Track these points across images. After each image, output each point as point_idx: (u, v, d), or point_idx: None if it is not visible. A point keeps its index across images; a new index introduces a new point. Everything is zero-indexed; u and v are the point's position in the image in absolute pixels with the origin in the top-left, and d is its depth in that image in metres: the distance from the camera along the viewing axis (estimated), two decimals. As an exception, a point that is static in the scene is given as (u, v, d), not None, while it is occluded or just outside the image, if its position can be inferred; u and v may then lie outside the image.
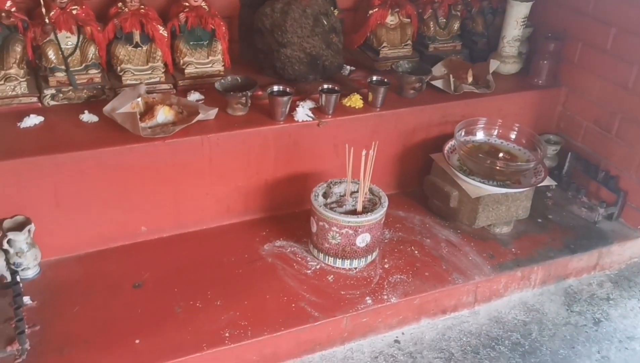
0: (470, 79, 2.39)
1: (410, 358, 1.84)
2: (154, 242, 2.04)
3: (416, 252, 2.09)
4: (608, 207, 2.30)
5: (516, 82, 2.53)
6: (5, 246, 1.75)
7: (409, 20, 2.52)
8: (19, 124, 1.88)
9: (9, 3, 1.93)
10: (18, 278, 1.72)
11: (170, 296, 1.83)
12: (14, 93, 1.95)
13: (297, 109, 2.09)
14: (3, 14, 1.87)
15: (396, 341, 1.90)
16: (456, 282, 1.98)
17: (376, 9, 2.46)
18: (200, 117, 1.94)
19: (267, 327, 1.75)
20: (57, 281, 1.84)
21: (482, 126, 2.27)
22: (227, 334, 1.71)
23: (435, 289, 1.95)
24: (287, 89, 2.09)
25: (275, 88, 2.09)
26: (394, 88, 2.29)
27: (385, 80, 2.22)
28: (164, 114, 1.95)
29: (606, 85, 2.35)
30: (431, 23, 2.56)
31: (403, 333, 1.93)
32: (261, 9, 2.23)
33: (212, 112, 2.00)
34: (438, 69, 2.46)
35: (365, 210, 1.96)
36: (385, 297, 1.89)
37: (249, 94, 2.03)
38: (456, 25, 2.60)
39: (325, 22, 2.23)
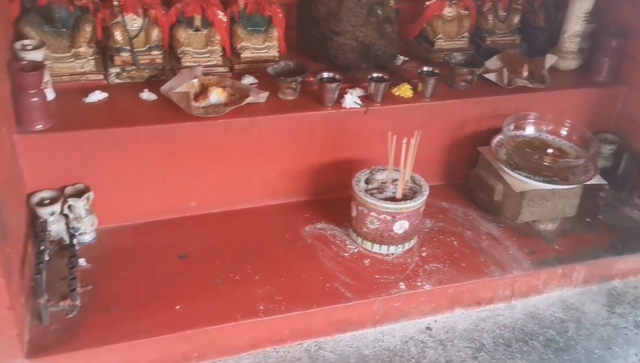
0: (525, 74, 2.36)
1: (441, 345, 1.86)
2: (203, 217, 2.15)
3: (455, 243, 2.10)
4: (662, 210, 2.23)
5: (575, 78, 2.47)
6: (66, 211, 1.90)
7: (467, 12, 2.51)
8: (84, 99, 2.02)
9: (82, -15, 2.08)
10: (75, 241, 1.86)
11: (212, 268, 1.93)
12: (82, 70, 2.10)
13: (345, 96, 2.14)
14: (75, -4, 2.02)
15: (428, 328, 1.92)
16: (493, 275, 1.98)
17: (433, 0, 2.46)
18: (250, 99, 2.03)
19: (301, 303, 1.81)
20: (110, 247, 1.98)
21: (532, 121, 2.24)
22: (261, 307, 1.79)
23: (470, 280, 1.96)
24: (337, 76, 2.14)
25: (325, 75, 2.14)
26: (446, 79, 2.30)
27: (436, 71, 2.23)
28: (216, 95, 2.05)
29: (669, 85, 2.27)
30: (490, 16, 2.54)
31: (435, 321, 1.95)
32: (317, -3, 2.29)
33: (263, 96, 2.08)
34: (493, 62, 2.44)
35: (405, 198, 1.99)
36: (419, 284, 1.92)
37: (299, 79, 2.10)
38: (516, 19, 2.57)
39: (380, 12, 2.26)
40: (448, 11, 2.49)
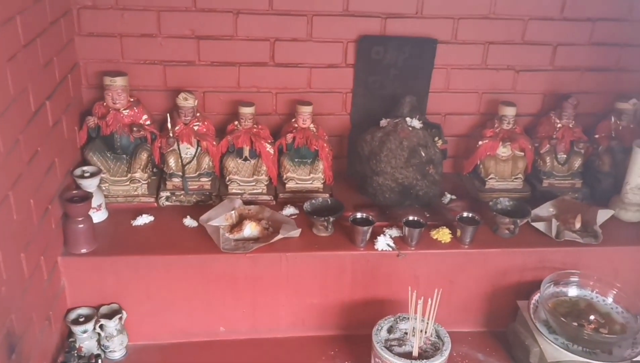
0: (577, 225, 2.23)
1: None
2: (230, 343, 2.19)
3: (480, 406, 1.99)
4: None
5: (637, 233, 2.29)
6: (98, 330, 2.03)
7: (522, 153, 2.44)
8: (132, 221, 2.18)
9: (144, 116, 2.27)
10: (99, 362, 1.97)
11: (224, 402, 1.96)
12: (136, 193, 2.27)
13: (378, 237, 2.13)
14: (134, 128, 2.21)
15: None
16: None
17: (486, 141, 2.43)
18: (279, 237, 2.08)
19: None
20: (136, 367, 2.08)
21: (575, 281, 2.11)
22: None
23: None
24: (370, 218, 2.15)
25: (358, 216, 2.16)
26: (490, 224, 2.24)
27: (476, 218, 2.18)
28: (250, 229, 2.13)
29: None
30: (548, 158, 2.45)
31: None
32: (363, 134, 2.34)
33: (294, 232, 2.13)
34: (545, 209, 2.33)
35: (423, 355, 1.92)
36: None
37: (331, 220, 2.13)
38: (577, 163, 2.45)
39: (423, 154, 2.26)
40: (502, 151, 2.44)
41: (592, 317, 2.02)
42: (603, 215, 2.25)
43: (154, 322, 2.14)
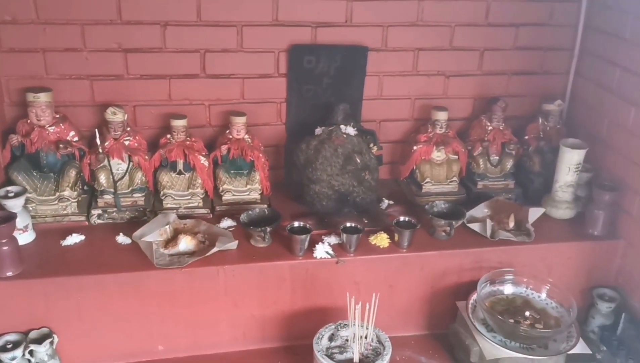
0: (511, 224, 2.28)
1: None
2: (169, 361, 2.13)
3: (424, 408, 1.99)
4: (659, 385, 2.04)
5: (568, 229, 2.35)
6: (27, 356, 1.94)
7: (456, 157, 2.49)
8: (62, 241, 2.10)
9: (72, 133, 2.21)
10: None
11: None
12: (65, 212, 2.19)
13: (317, 245, 2.12)
14: (61, 145, 2.14)
15: None
16: None
17: (420, 145, 2.46)
18: (215, 250, 2.05)
19: None
20: (70, 392, 1.99)
21: (510, 278, 2.15)
22: None
23: None
24: (307, 226, 2.14)
25: (296, 224, 2.15)
26: (427, 227, 2.26)
27: (413, 221, 2.20)
28: (185, 243, 2.08)
29: (666, 244, 2.13)
30: (481, 160, 2.50)
31: None
32: (299, 144, 2.33)
33: (231, 245, 2.10)
34: (480, 210, 2.37)
35: (366, 360, 1.91)
36: None
37: (268, 230, 2.11)
38: (509, 164, 2.51)
39: (359, 161, 2.27)
40: (437, 155, 2.48)
41: (527, 313, 2.05)
42: (534, 214, 2.31)
43: (88, 345, 2.06)
